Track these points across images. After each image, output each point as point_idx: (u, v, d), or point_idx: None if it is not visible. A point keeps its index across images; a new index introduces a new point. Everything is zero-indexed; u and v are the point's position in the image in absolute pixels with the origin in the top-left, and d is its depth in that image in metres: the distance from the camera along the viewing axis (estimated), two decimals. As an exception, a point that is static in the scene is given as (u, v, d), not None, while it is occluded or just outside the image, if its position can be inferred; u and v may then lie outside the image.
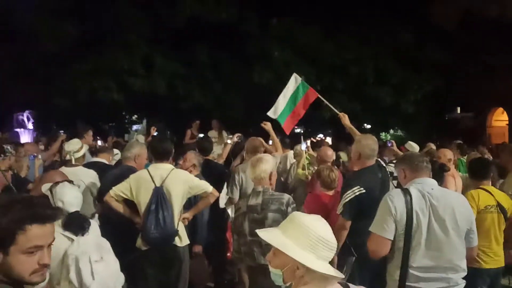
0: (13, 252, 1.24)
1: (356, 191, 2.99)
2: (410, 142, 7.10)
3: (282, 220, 2.73)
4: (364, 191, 2.99)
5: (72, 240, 2.36)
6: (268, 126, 4.90)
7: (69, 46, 11.09)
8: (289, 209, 2.87)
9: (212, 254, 4.50)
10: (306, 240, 1.37)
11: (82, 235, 2.39)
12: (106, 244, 2.48)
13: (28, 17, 11.39)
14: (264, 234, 1.48)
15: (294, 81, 4.92)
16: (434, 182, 2.53)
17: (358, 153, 3.20)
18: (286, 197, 2.96)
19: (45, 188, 2.53)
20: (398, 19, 11.66)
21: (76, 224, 2.38)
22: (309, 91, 4.88)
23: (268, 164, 3.02)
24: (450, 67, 12.25)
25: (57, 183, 2.53)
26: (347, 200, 3.01)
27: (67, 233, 2.38)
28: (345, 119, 4.10)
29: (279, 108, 4.88)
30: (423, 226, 2.36)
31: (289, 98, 4.84)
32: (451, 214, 2.37)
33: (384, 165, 3.58)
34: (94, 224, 2.62)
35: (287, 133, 5.07)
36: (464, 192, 3.68)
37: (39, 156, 5.28)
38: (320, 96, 4.94)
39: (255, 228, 2.86)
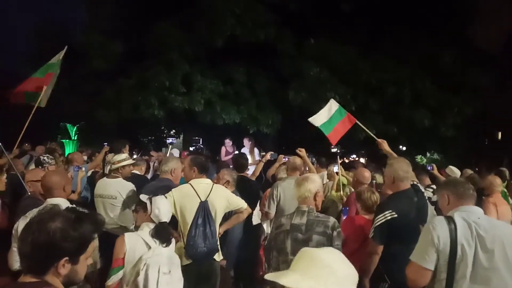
0: (82, 260, 1.46)
1: (387, 215, 2.94)
2: (451, 166, 6.81)
3: (327, 243, 2.73)
4: (396, 215, 2.92)
5: (150, 247, 2.62)
6: (303, 152, 4.93)
7: (115, 64, 11.71)
8: (335, 233, 2.77)
9: (243, 271, 4.48)
10: (332, 278, 1.27)
11: (167, 245, 2.68)
12: (176, 259, 2.71)
13: (80, 36, 12.22)
14: (285, 279, 1.28)
15: (330, 107, 5.08)
16: (480, 211, 2.41)
17: (392, 177, 3.15)
18: (332, 220, 2.84)
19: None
20: (439, 40, 11.37)
21: (164, 234, 2.72)
22: (346, 116, 5.02)
23: (313, 183, 2.94)
24: (492, 90, 11.74)
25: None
26: (377, 224, 2.96)
27: (148, 240, 2.65)
28: (384, 145, 4.01)
29: (319, 120, 5.03)
30: (468, 258, 2.24)
31: (331, 116, 5.01)
32: (500, 246, 2.24)
33: (422, 189, 3.45)
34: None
35: (333, 144, 5.28)
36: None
37: (83, 168, 5.52)
38: (358, 122, 5.03)
39: (298, 247, 2.82)
